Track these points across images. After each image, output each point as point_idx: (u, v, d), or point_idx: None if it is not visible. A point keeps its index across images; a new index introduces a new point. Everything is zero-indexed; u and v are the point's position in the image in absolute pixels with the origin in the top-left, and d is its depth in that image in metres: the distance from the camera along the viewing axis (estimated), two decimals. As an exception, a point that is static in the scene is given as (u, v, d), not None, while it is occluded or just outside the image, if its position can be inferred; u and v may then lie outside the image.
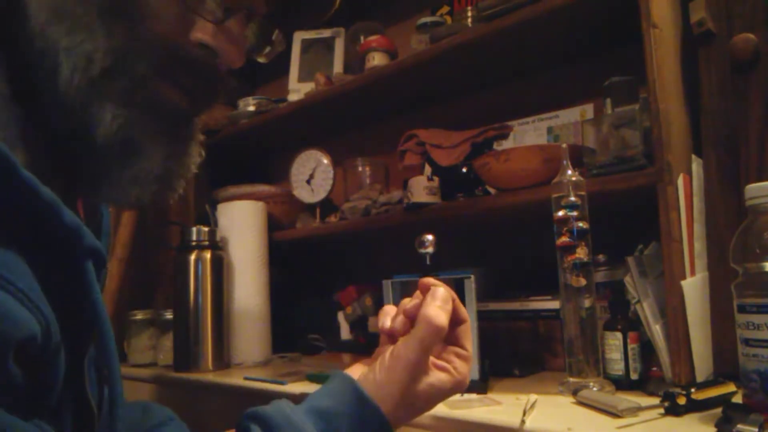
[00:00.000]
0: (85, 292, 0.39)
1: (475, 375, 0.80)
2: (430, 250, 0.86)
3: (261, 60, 0.53)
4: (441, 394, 0.52)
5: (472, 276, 0.84)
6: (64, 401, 0.38)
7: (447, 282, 0.83)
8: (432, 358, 0.53)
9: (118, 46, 0.40)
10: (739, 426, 0.56)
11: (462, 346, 0.55)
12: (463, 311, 0.56)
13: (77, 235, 0.37)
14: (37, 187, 0.35)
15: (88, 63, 0.39)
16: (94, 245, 0.39)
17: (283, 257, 1.48)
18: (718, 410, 0.61)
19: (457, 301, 0.55)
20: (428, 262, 0.87)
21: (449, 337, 0.55)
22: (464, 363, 0.54)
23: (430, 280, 0.55)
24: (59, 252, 0.37)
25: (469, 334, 0.56)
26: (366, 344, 1.32)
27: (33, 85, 0.39)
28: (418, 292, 0.56)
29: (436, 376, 0.52)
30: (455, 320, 0.55)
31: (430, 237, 0.86)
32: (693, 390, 0.65)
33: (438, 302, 0.52)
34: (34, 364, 0.35)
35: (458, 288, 0.86)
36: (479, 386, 0.81)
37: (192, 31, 0.43)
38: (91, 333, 0.40)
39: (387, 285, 0.89)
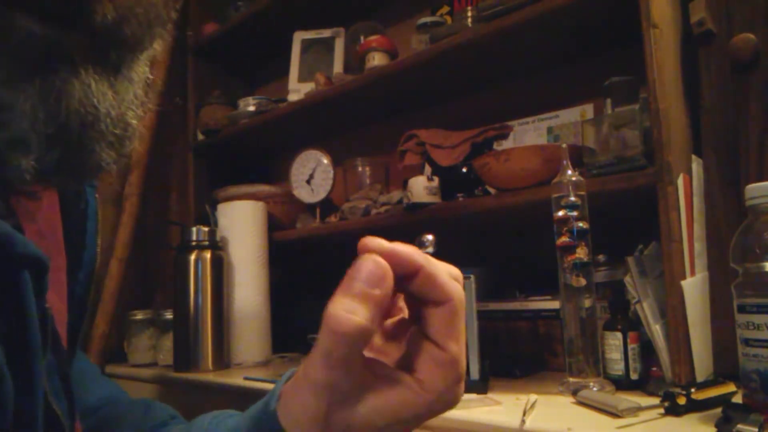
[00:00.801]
0: (18, 306, 0.32)
1: (476, 375, 0.80)
2: (430, 250, 0.86)
3: None
4: (400, 419, 0.33)
5: (472, 276, 0.84)
6: (24, 418, 0.33)
7: None
8: (383, 365, 0.35)
9: None
10: (739, 426, 0.56)
11: (439, 344, 0.34)
12: (443, 285, 0.34)
13: (8, 243, 0.30)
14: None
15: None
16: (30, 252, 0.32)
17: (283, 257, 1.48)
18: (718, 410, 0.61)
19: (430, 267, 0.34)
20: None
21: (425, 326, 0.35)
22: (440, 370, 0.34)
23: (368, 242, 0.36)
24: None
25: (455, 324, 0.35)
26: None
27: None
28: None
29: (380, 398, 0.33)
30: (426, 299, 0.35)
31: (430, 237, 0.86)
32: (693, 390, 0.65)
33: (354, 290, 0.33)
34: None
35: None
36: (479, 386, 0.81)
37: None
38: (46, 343, 0.34)
39: None
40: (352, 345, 0.32)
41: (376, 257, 0.34)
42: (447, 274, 0.36)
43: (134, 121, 0.35)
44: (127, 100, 0.34)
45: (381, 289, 0.33)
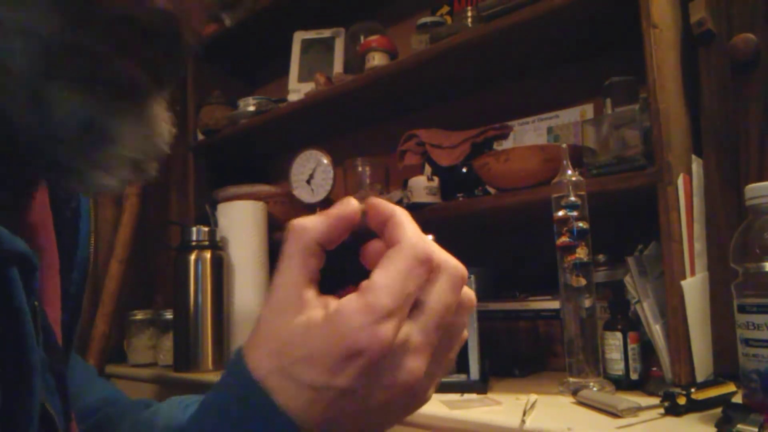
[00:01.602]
0: (8, 303, 0.32)
1: (476, 375, 0.80)
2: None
3: (227, 21, 0.48)
4: (313, 342, 0.33)
5: (473, 276, 0.84)
6: (19, 417, 0.33)
7: None
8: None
9: (71, 21, 0.34)
10: (739, 426, 0.56)
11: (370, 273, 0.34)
12: (396, 226, 0.36)
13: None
14: None
15: (39, 42, 0.33)
16: (17, 249, 0.32)
17: (283, 257, 1.48)
18: (718, 410, 0.61)
19: (399, 216, 0.36)
20: None
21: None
22: (354, 297, 0.33)
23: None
24: None
25: (390, 257, 0.34)
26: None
27: None
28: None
29: (308, 314, 0.34)
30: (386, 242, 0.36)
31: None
32: (693, 390, 0.65)
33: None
34: None
35: None
36: (479, 386, 0.81)
37: None
38: (37, 340, 0.34)
39: None
40: (303, 243, 0.36)
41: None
42: (410, 223, 0.36)
43: (166, 148, 0.42)
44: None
45: (339, 209, 0.36)
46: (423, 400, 0.38)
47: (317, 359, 0.33)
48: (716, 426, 0.59)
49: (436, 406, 0.74)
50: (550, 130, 1.20)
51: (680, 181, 0.78)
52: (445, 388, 0.73)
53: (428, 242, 0.36)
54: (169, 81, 0.41)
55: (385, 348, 0.32)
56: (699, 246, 0.81)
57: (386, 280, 0.33)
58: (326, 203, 1.44)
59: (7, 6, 0.32)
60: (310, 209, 1.46)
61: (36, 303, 0.34)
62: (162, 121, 0.42)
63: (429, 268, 0.35)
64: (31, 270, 0.33)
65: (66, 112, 0.34)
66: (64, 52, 0.34)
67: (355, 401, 0.34)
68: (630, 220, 1.00)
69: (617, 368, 0.80)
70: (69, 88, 0.34)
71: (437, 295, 0.35)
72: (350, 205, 0.37)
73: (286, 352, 0.34)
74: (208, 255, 1.25)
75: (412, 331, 0.34)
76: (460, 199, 1.06)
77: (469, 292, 0.39)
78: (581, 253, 0.78)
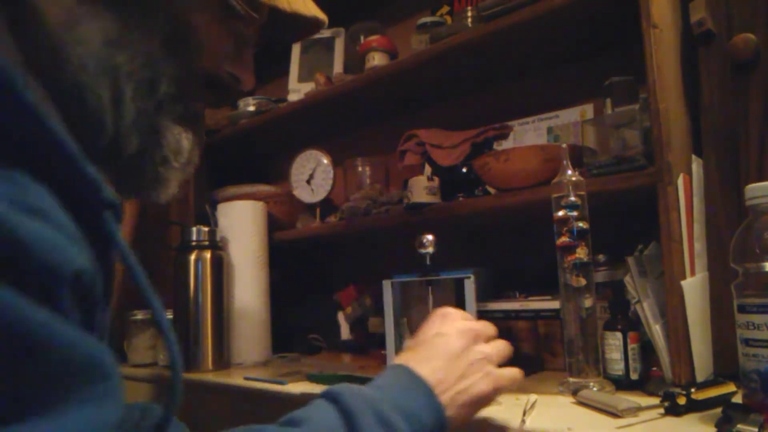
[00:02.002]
0: (110, 242, 0.42)
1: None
2: (430, 250, 0.86)
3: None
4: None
5: (472, 276, 0.84)
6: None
7: (447, 282, 0.83)
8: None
9: (177, 74, 0.49)
10: (739, 426, 0.56)
11: None
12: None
13: (97, 188, 0.40)
14: (62, 139, 0.37)
15: (152, 88, 0.47)
16: (112, 199, 0.42)
17: (283, 257, 1.48)
18: (718, 410, 0.61)
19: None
20: (428, 262, 0.87)
21: None
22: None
23: None
24: (78, 205, 0.39)
25: None
26: (366, 344, 1.32)
27: (83, 104, 0.44)
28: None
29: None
30: None
31: (430, 237, 0.86)
32: (693, 390, 0.65)
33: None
34: (81, 304, 0.37)
35: (458, 287, 0.86)
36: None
37: (227, 62, 0.56)
38: (110, 287, 0.44)
39: (387, 285, 0.89)
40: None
41: None
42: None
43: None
44: None
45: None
46: (493, 379, 0.62)
47: (432, 327, 0.66)
48: (716, 426, 0.59)
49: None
50: (550, 130, 1.20)
51: (680, 181, 0.78)
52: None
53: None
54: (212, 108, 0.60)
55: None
56: (699, 246, 0.81)
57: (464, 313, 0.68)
58: (326, 203, 1.44)
59: (141, 65, 0.46)
60: (310, 209, 1.46)
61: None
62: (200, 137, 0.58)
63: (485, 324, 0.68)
64: (119, 220, 0.43)
65: (172, 140, 0.50)
66: (171, 97, 0.49)
67: (454, 355, 0.61)
68: (630, 220, 1.00)
69: (617, 368, 0.80)
70: (173, 122, 0.50)
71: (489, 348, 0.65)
72: None
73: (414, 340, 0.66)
74: (208, 255, 1.25)
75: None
76: (460, 199, 1.06)
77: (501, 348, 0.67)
78: (581, 253, 0.78)
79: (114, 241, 0.42)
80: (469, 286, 0.84)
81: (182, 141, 0.51)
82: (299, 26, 0.64)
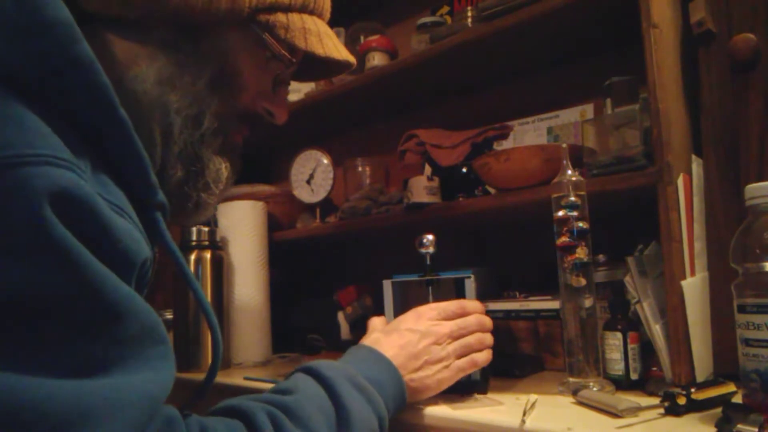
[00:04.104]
0: (160, 238, 0.50)
1: (476, 374, 0.80)
2: (430, 250, 0.86)
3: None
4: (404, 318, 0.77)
5: (473, 276, 0.85)
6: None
7: (447, 282, 0.85)
8: None
9: (220, 111, 0.56)
10: (739, 426, 0.56)
11: None
12: None
13: (155, 192, 0.48)
14: (141, 150, 0.46)
15: (197, 122, 0.54)
16: (164, 201, 0.50)
17: (283, 257, 1.48)
18: (718, 410, 0.61)
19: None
20: (428, 262, 0.87)
21: None
22: None
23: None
24: (137, 204, 0.47)
25: None
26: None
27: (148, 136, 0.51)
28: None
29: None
30: None
31: (430, 237, 0.86)
32: (693, 390, 0.65)
33: None
34: (139, 285, 0.45)
35: (458, 287, 0.86)
36: (479, 386, 0.81)
37: (264, 99, 0.63)
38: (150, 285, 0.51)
39: (387, 285, 0.89)
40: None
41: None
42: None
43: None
44: None
45: None
46: (447, 374, 0.73)
47: (406, 322, 0.75)
48: (716, 426, 0.59)
49: (436, 406, 0.74)
50: (550, 130, 1.20)
51: (680, 181, 0.78)
52: (448, 389, 0.74)
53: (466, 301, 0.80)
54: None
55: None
56: (699, 246, 0.81)
57: (443, 305, 0.78)
58: (326, 203, 1.44)
59: (178, 96, 0.53)
60: (310, 209, 1.46)
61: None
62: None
63: (464, 308, 0.78)
64: (167, 218, 0.51)
65: (213, 169, 0.57)
66: (214, 131, 0.56)
67: (416, 352, 0.70)
68: (630, 220, 1.00)
69: (617, 368, 0.80)
70: (215, 153, 0.57)
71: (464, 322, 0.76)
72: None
73: (389, 327, 0.75)
74: (208, 255, 1.25)
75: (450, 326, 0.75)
76: (460, 199, 1.06)
77: (485, 321, 0.79)
78: (581, 253, 0.78)
79: (163, 236, 0.50)
80: (470, 286, 0.84)
81: (222, 170, 0.58)
82: (331, 68, 0.71)
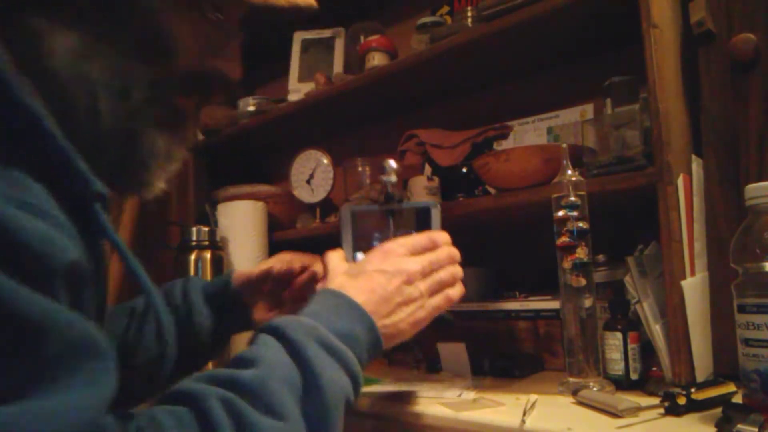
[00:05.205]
0: (101, 232, 0.46)
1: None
2: (392, 178, 0.80)
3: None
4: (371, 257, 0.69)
5: (438, 205, 0.80)
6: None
7: (410, 212, 0.82)
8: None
9: (154, 78, 0.51)
10: (739, 426, 0.56)
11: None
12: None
13: (87, 181, 0.44)
14: (55, 136, 0.41)
15: (125, 95, 0.49)
16: (101, 191, 0.46)
17: (283, 257, 1.48)
18: (718, 410, 0.62)
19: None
20: (389, 191, 0.81)
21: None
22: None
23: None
24: (70, 198, 0.43)
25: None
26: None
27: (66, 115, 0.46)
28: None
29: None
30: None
31: (392, 163, 0.80)
32: (693, 390, 0.65)
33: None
34: (74, 294, 0.40)
35: (422, 218, 0.81)
36: (448, 322, 0.75)
37: (207, 58, 0.55)
38: (102, 274, 0.48)
39: (345, 211, 0.82)
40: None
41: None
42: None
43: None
44: None
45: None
46: (422, 314, 0.66)
47: (372, 262, 0.66)
48: (716, 426, 0.59)
49: (436, 407, 0.74)
50: (550, 130, 1.20)
51: (680, 181, 0.78)
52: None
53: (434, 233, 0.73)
54: (205, 106, 0.59)
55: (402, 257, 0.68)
56: (699, 246, 0.81)
57: (412, 239, 0.70)
58: (326, 203, 1.44)
59: (113, 74, 0.48)
60: (310, 209, 1.46)
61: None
62: (194, 132, 0.59)
63: (434, 241, 0.71)
64: (108, 210, 0.46)
65: (148, 144, 0.51)
66: (148, 101, 0.50)
67: (387, 295, 0.63)
68: (630, 220, 1.00)
69: (617, 368, 0.80)
70: (151, 126, 0.51)
71: (435, 256, 0.69)
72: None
73: (355, 269, 0.66)
74: (208, 255, 1.25)
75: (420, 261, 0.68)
76: (460, 199, 1.06)
77: (454, 253, 0.72)
78: (581, 253, 0.78)
79: (104, 230, 0.46)
80: (436, 216, 0.78)
81: (158, 143, 0.52)
82: (286, 13, 0.65)
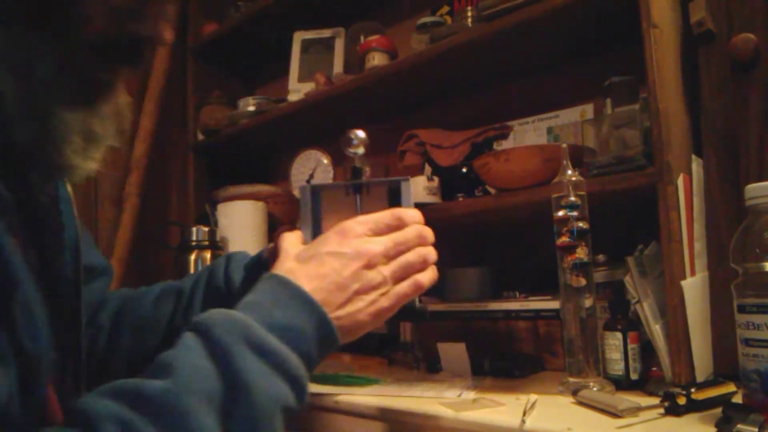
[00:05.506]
0: None
1: (416, 300, 0.65)
2: (360, 150, 0.73)
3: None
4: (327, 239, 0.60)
5: (410, 178, 0.71)
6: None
7: (379, 188, 0.74)
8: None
9: (61, 50, 0.44)
10: (739, 426, 0.56)
11: None
12: None
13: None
14: None
15: (27, 72, 0.43)
16: None
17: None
18: (718, 410, 0.61)
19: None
20: (357, 165, 0.74)
21: None
22: None
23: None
24: None
25: None
26: (366, 344, 1.32)
27: None
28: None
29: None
30: None
31: (360, 133, 0.73)
32: (693, 390, 0.65)
33: None
34: None
35: (393, 197, 0.72)
36: (419, 313, 0.70)
37: (124, 22, 0.47)
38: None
39: (303, 191, 0.73)
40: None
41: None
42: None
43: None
44: None
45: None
46: (385, 302, 0.57)
47: (327, 243, 0.57)
48: (716, 426, 0.59)
49: (436, 407, 0.74)
50: (550, 130, 1.20)
51: (680, 181, 0.78)
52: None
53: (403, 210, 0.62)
54: (132, 75, 0.51)
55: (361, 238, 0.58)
56: (699, 246, 0.81)
57: (375, 216, 0.60)
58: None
59: (9, 51, 0.42)
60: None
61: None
62: (124, 104, 0.51)
63: (400, 219, 0.60)
64: (3, 212, 0.40)
65: (65, 125, 0.45)
66: (55, 77, 0.44)
67: (342, 281, 0.54)
68: (630, 220, 1.00)
69: (617, 368, 0.80)
70: (62, 103, 0.45)
71: (401, 236, 0.59)
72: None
73: (307, 252, 0.58)
74: (208, 255, 1.25)
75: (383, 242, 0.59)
76: (460, 199, 1.06)
77: (425, 232, 0.62)
78: (581, 253, 0.78)
79: None
80: (407, 192, 0.68)
81: (74, 122, 0.46)
82: None
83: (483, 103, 1.31)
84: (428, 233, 0.62)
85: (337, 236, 0.58)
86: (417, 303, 0.62)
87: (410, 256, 0.59)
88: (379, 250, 0.57)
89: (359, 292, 0.55)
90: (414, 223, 0.61)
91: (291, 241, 0.61)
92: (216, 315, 0.47)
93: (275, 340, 0.47)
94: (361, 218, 0.60)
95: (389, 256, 0.58)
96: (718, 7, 0.83)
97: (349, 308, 0.55)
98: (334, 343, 0.53)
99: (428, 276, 0.60)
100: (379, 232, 0.59)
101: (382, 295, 0.56)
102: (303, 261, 0.56)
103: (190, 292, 0.70)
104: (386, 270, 0.57)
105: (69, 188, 0.58)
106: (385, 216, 0.60)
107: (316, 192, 0.71)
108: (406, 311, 0.60)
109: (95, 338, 0.69)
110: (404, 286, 0.58)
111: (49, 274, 0.49)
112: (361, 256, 0.56)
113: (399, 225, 0.60)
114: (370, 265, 0.56)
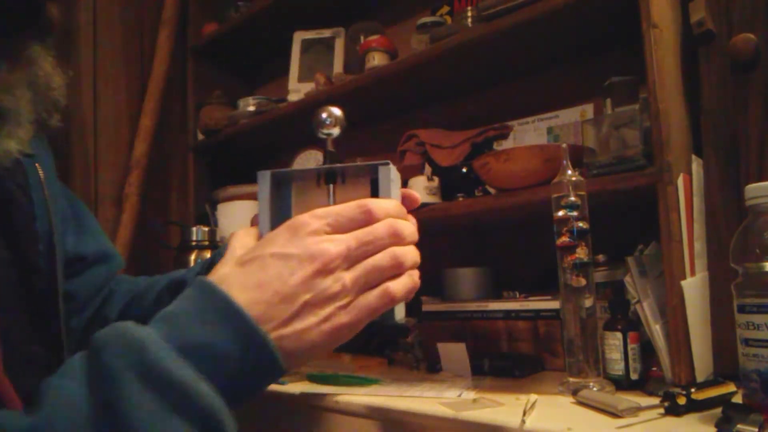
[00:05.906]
0: None
1: (395, 314, 0.51)
2: (334, 131, 0.62)
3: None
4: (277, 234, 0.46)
5: (390, 163, 0.57)
6: None
7: (356, 178, 0.61)
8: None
9: None
10: (739, 426, 0.56)
11: None
12: None
13: None
14: None
15: None
16: None
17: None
18: (718, 410, 0.61)
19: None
20: (330, 148, 0.63)
21: None
22: None
23: None
24: None
25: None
26: (366, 344, 1.32)
27: None
28: None
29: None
30: None
31: (336, 111, 0.61)
32: (693, 390, 0.65)
33: None
34: None
35: (375, 187, 0.58)
36: (400, 331, 0.62)
37: None
38: None
39: (262, 178, 0.56)
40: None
41: None
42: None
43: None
44: None
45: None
46: (344, 318, 0.44)
47: (274, 242, 0.44)
48: (716, 426, 0.59)
49: (436, 407, 0.74)
50: (550, 130, 1.20)
51: (680, 181, 0.78)
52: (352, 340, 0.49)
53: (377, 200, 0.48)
54: (48, 29, 0.46)
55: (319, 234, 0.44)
56: (699, 246, 0.81)
57: (336, 209, 0.46)
58: (326, 203, 1.44)
59: None
60: (310, 209, 1.45)
61: None
62: (54, 76, 0.47)
63: (369, 212, 0.46)
64: None
65: None
66: None
67: (287, 291, 0.42)
68: (630, 220, 1.00)
69: (617, 368, 0.80)
70: None
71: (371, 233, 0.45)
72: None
73: (250, 253, 0.45)
74: (208, 255, 1.25)
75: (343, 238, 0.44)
76: (460, 199, 1.06)
77: (405, 228, 0.47)
78: (581, 253, 0.78)
79: None
80: (385, 178, 0.55)
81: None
82: None
83: (483, 103, 1.31)
84: (405, 229, 0.47)
85: (287, 232, 0.45)
86: (395, 316, 0.49)
87: (380, 259, 0.45)
88: (338, 251, 0.43)
89: (310, 305, 0.42)
90: (386, 217, 0.47)
91: (241, 239, 0.49)
92: (111, 332, 0.38)
93: (182, 365, 0.37)
94: (319, 211, 0.46)
95: (352, 259, 0.44)
96: (718, 7, 0.83)
97: (297, 325, 0.42)
98: (275, 368, 0.41)
99: (402, 283, 0.46)
100: (340, 229, 0.45)
101: (341, 308, 0.43)
102: (241, 264, 0.44)
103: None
104: (347, 276, 0.43)
105: (41, 174, 0.53)
106: (348, 208, 0.46)
107: (281, 181, 0.57)
108: (380, 327, 0.49)
109: None
110: (371, 297, 0.44)
111: (21, 264, 0.47)
112: (314, 258, 0.43)
113: (367, 219, 0.46)
114: (325, 271, 0.43)
